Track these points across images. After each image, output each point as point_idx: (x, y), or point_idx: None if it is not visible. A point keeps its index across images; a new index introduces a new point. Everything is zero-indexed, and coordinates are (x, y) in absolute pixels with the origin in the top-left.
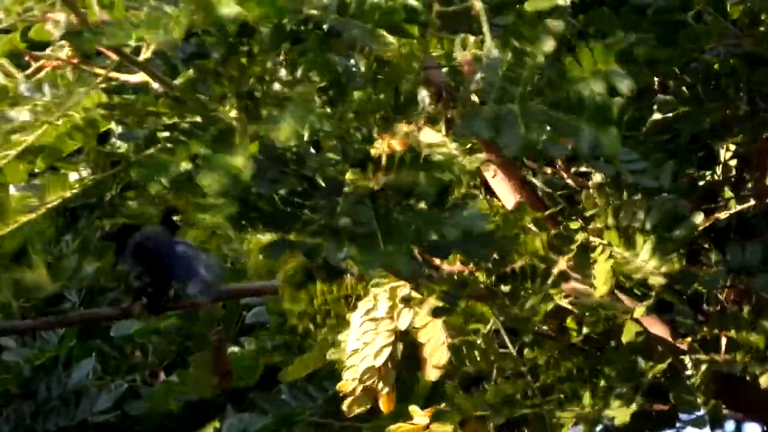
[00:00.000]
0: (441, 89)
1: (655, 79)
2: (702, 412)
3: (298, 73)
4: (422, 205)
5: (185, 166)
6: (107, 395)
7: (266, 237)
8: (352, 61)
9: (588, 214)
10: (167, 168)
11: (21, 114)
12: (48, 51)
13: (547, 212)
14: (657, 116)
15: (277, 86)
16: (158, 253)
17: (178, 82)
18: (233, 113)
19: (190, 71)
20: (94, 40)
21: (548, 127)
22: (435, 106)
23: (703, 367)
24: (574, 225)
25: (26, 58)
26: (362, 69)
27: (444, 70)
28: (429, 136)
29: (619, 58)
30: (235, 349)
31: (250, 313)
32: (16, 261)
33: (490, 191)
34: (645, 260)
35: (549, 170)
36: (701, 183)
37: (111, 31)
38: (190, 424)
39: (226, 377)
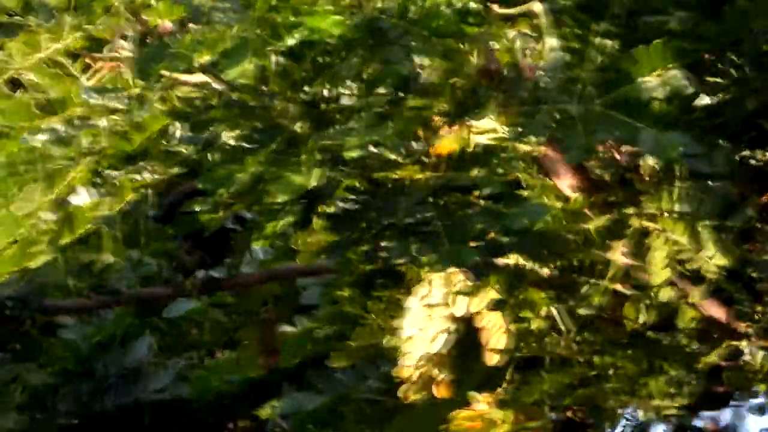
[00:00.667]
0: (498, 79)
1: (705, 57)
2: (761, 399)
3: (364, 82)
4: (482, 201)
5: (251, 173)
6: (164, 373)
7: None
8: (416, 60)
9: (642, 198)
10: (234, 179)
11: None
12: (106, 51)
13: (601, 196)
14: (707, 100)
15: (342, 96)
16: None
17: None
18: (298, 122)
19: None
20: (158, 58)
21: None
22: (492, 98)
23: (761, 354)
24: (629, 210)
25: (86, 60)
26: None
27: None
28: (483, 122)
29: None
30: (289, 328)
31: (305, 293)
32: (85, 242)
33: (543, 171)
34: (701, 248)
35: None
36: (753, 163)
37: (176, 51)
38: (247, 403)
39: (272, 355)
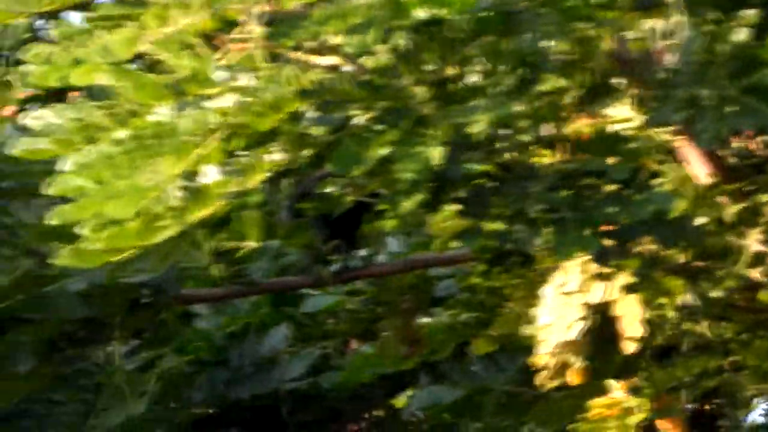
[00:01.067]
0: (630, 65)
1: None
2: None
3: (493, 61)
4: (613, 187)
5: (380, 153)
6: (300, 363)
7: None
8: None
9: None
10: (363, 159)
11: (220, 99)
12: (237, 31)
13: (735, 185)
14: None
15: (471, 75)
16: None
17: (371, 66)
18: (426, 101)
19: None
20: (287, 33)
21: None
22: (625, 83)
23: None
24: (763, 198)
25: (217, 40)
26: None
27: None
28: (617, 110)
29: None
30: (427, 320)
31: (441, 284)
32: (220, 226)
33: (676, 158)
34: None
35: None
36: None
37: (304, 26)
38: (383, 394)
39: (415, 345)
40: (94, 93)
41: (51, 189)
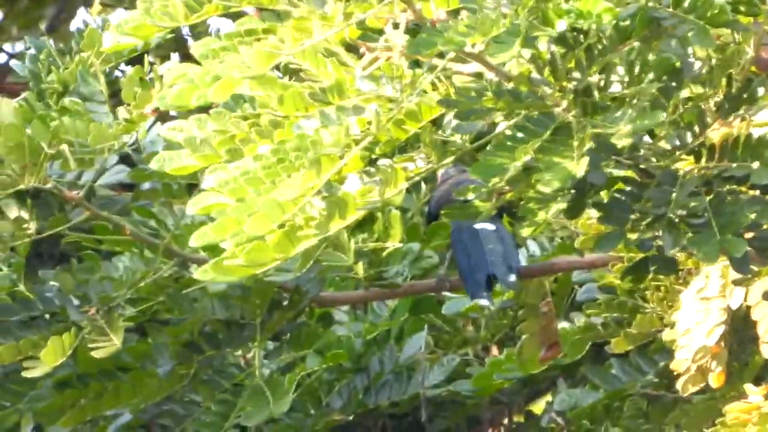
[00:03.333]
0: None
1: None
2: None
3: (636, 70)
4: (757, 192)
5: (522, 161)
6: (440, 370)
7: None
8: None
9: None
10: (506, 168)
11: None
12: (382, 41)
13: None
14: None
15: (615, 84)
16: (456, 237)
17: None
18: (569, 110)
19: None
20: (430, 43)
21: None
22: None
23: None
24: None
25: (361, 50)
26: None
27: None
28: (759, 115)
29: None
30: (566, 324)
31: (581, 289)
32: (360, 227)
33: None
34: None
35: None
36: None
37: (448, 36)
38: (522, 398)
39: (553, 349)
40: (229, 104)
41: (193, 208)
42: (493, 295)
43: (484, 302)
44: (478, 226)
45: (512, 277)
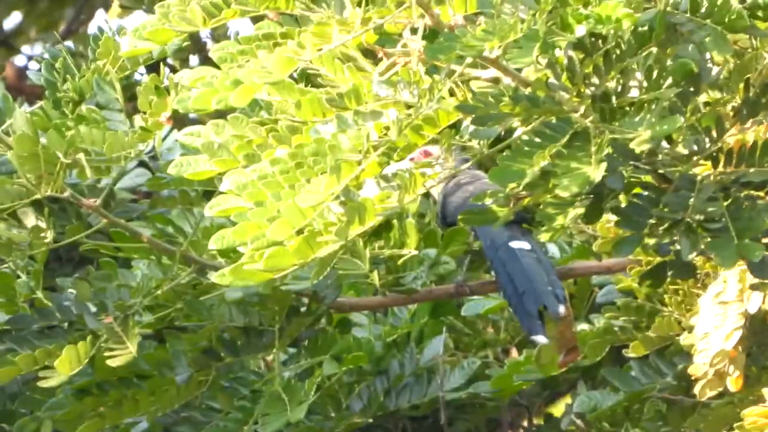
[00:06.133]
0: None
1: None
2: None
3: (654, 75)
4: None
5: (540, 166)
6: (460, 372)
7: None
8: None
9: None
10: (524, 174)
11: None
12: (399, 46)
13: None
14: None
15: (633, 89)
16: (493, 256)
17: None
18: (587, 116)
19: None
20: (449, 49)
21: None
22: None
23: None
24: None
25: (379, 55)
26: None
27: None
28: None
29: None
30: (585, 326)
31: (601, 291)
32: (377, 235)
33: None
34: None
35: None
36: None
37: (467, 41)
38: (542, 400)
39: (571, 352)
40: (245, 109)
41: (211, 210)
42: None
43: (542, 340)
44: (513, 244)
45: (561, 309)
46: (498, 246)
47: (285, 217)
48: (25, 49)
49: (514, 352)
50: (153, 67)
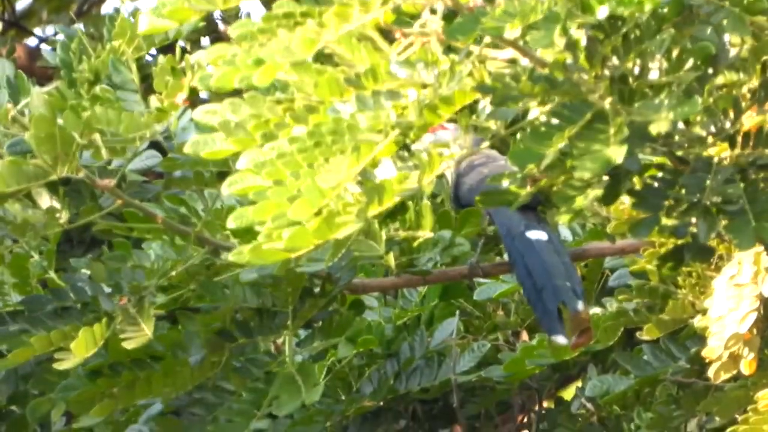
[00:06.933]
0: None
1: None
2: None
3: (673, 57)
4: None
5: (558, 148)
6: (470, 355)
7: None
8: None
9: None
10: (542, 155)
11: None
12: (417, 26)
13: None
14: None
15: (652, 71)
16: (510, 245)
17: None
18: (606, 97)
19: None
20: (468, 29)
21: None
22: None
23: None
24: None
25: (396, 35)
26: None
27: None
28: None
29: None
30: (597, 309)
31: (614, 275)
32: (391, 216)
33: None
34: None
35: None
36: None
37: (486, 22)
38: (553, 384)
39: (584, 335)
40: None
41: (229, 188)
42: None
43: (562, 341)
44: (530, 234)
45: (580, 305)
46: (514, 236)
47: (306, 197)
48: (37, 30)
49: (524, 336)
50: (163, 50)
